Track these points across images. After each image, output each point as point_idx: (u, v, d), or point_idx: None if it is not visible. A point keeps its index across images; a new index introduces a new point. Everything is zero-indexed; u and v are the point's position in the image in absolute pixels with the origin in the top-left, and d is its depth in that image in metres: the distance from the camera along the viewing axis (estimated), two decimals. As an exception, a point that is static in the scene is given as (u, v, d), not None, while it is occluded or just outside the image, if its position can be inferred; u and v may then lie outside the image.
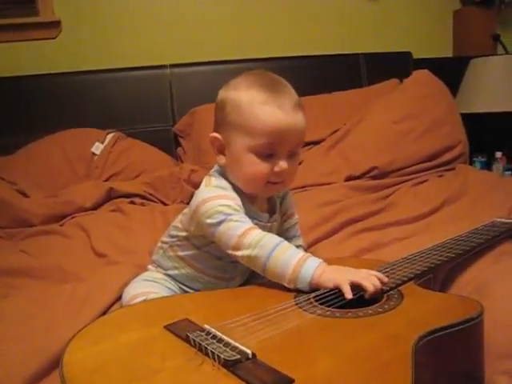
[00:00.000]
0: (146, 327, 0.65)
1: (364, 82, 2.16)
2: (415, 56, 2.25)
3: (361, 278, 0.73)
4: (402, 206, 1.44)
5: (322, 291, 0.74)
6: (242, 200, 0.85)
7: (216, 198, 0.82)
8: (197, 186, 0.92)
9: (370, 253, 1.09)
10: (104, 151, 1.78)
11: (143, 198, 1.65)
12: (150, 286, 0.90)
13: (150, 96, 1.99)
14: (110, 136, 1.82)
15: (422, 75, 1.92)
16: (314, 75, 2.08)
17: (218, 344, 0.57)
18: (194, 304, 0.76)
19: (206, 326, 0.61)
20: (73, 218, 1.50)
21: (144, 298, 0.83)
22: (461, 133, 1.83)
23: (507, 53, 2.35)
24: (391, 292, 0.74)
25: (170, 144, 1.99)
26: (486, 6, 2.35)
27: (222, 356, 0.54)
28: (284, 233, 0.99)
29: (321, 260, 0.77)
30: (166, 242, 0.94)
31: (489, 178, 1.61)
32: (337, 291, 0.73)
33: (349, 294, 0.71)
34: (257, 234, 0.78)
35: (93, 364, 0.56)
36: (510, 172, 2.11)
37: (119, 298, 0.93)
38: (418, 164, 1.71)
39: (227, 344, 0.57)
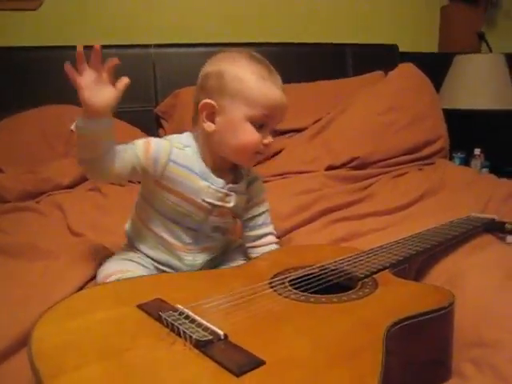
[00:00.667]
0: (118, 305, 0.65)
1: (349, 73, 2.16)
2: (401, 49, 2.26)
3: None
4: (381, 197, 1.45)
5: (297, 275, 0.74)
6: (202, 166, 0.89)
7: (152, 141, 0.89)
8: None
9: (347, 242, 1.10)
10: (83, 129, 1.73)
11: (122, 178, 1.63)
12: (125, 264, 0.89)
13: (133, 75, 1.87)
14: (90, 114, 1.78)
15: (406, 68, 1.93)
16: (300, 63, 2.07)
17: (190, 324, 0.57)
18: (167, 284, 0.76)
19: (179, 306, 0.61)
20: (49, 195, 1.47)
21: (119, 276, 0.83)
22: (442, 128, 1.85)
23: (491, 51, 2.38)
24: (366, 280, 0.75)
25: (151, 125, 1.95)
26: (474, 4, 2.37)
27: (193, 336, 0.54)
28: (252, 219, 0.99)
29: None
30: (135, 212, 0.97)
31: (466, 174, 1.64)
32: (312, 276, 0.74)
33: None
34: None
35: (63, 340, 0.56)
36: (487, 169, 2.14)
37: (94, 277, 0.91)
38: (398, 156, 1.73)
39: (199, 324, 0.57)
